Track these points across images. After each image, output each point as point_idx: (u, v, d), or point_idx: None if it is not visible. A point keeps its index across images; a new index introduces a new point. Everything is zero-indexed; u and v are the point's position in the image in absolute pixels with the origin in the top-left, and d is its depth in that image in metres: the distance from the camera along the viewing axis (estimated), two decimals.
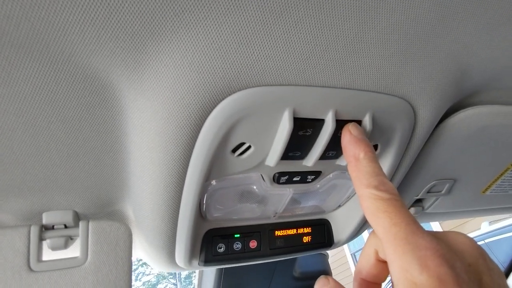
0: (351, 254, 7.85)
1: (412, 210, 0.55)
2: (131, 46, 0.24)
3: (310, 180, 0.40)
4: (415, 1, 0.27)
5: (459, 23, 0.30)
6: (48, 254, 0.38)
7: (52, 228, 0.38)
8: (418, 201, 0.55)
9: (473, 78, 0.36)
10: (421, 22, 0.28)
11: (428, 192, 0.51)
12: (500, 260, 2.24)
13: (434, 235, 0.23)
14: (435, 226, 4.76)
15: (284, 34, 0.26)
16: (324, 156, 0.35)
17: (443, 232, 0.24)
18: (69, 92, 0.27)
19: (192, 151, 0.30)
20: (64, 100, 0.27)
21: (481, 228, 2.73)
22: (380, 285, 0.28)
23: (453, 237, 0.23)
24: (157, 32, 0.23)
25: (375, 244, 0.26)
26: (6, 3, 0.19)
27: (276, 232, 0.47)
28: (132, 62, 0.25)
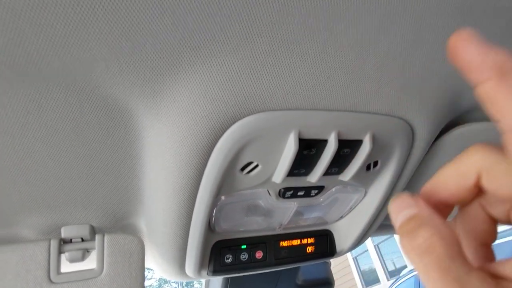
0: (353, 258, 7.84)
1: None
2: (150, 78, 0.26)
3: (313, 194, 0.42)
4: (412, 31, 0.29)
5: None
6: (66, 266, 0.40)
7: (70, 241, 0.40)
8: None
9: (467, 98, 0.38)
10: (417, 49, 0.31)
11: None
12: None
13: None
14: None
15: (290, 64, 0.28)
16: (327, 173, 0.37)
17: None
18: (91, 119, 0.29)
19: (204, 170, 0.33)
20: (86, 125, 0.29)
21: None
22: (451, 211, 0.21)
23: None
24: (175, 65, 0.26)
25: (480, 163, 0.19)
26: (41, 45, 0.22)
27: (281, 242, 0.49)
28: (151, 91, 0.27)
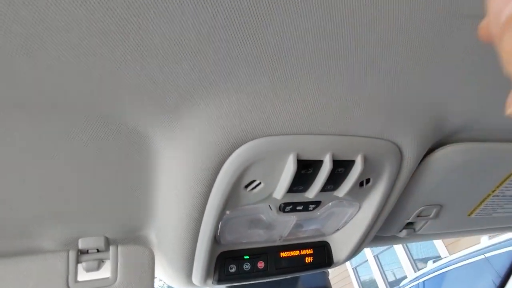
0: (352, 269, 7.79)
1: (404, 232, 0.60)
2: (168, 110, 0.30)
3: (311, 209, 0.45)
4: (400, 63, 0.33)
5: (437, 80, 0.36)
6: (83, 275, 0.43)
7: (87, 252, 0.43)
8: (410, 224, 0.61)
9: (451, 122, 0.42)
10: (405, 79, 0.34)
11: (418, 216, 0.56)
12: (500, 274, 2.26)
13: None
14: (437, 241, 4.76)
15: (288, 96, 0.32)
16: (323, 189, 0.40)
17: None
18: (113, 144, 0.33)
19: (211, 189, 0.36)
20: (108, 149, 0.33)
21: (481, 242, 2.76)
22: None
23: None
24: (190, 99, 0.29)
25: None
26: (79, 85, 0.26)
27: (281, 253, 0.53)
28: (168, 120, 0.31)
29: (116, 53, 0.24)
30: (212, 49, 0.26)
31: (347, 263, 7.77)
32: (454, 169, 0.48)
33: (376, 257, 6.92)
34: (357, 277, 7.67)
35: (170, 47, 0.25)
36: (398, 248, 6.16)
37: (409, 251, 6.05)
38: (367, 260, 7.14)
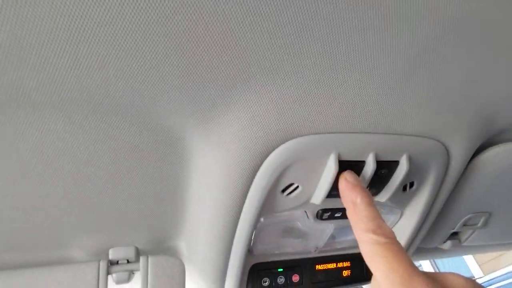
0: None
1: (448, 243, 0.56)
2: (205, 107, 0.29)
3: None
4: (449, 58, 0.30)
5: (489, 75, 0.33)
6: (112, 287, 0.41)
7: (117, 263, 0.42)
8: (455, 234, 0.56)
9: (501, 119, 0.39)
10: (455, 73, 0.32)
11: (464, 225, 0.52)
12: None
13: (431, 277, 0.24)
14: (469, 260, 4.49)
15: (331, 92, 0.30)
16: None
17: (441, 274, 0.25)
18: (149, 146, 0.32)
19: (248, 191, 0.34)
20: (144, 152, 0.32)
21: None
22: None
23: (450, 279, 0.24)
24: (228, 95, 0.28)
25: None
26: (120, 87, 0.25)
27: (317, 266, 0.49)
28: (204, 119, 0.30)
29: (156, 49, 0.23)
30: (254, 39, 0.24)
31: None
32: (505, 171, 0.44)
33: None
34: None
35: (211, 38, 0.23)
36: (425, 266, 5.84)
37: (435, 264, 5.72)
38: None
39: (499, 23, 0.28)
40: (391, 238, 0.26)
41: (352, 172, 0.34)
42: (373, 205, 0.30)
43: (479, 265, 4.82)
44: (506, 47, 0.31)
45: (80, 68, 0.23)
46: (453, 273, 0.25)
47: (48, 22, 0.20)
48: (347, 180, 0.33)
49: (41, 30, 0.20)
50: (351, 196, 0.31)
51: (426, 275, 0.24)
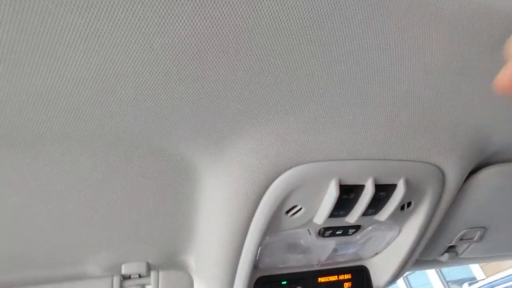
0: None
1: (446, 256, 0.58)
2: (214, 139, 0.31)
3: (351, 233, 0.45)
4: (443, 86, 0.32)
5: (479, 102, 0.35)
6: None
7: (129, 277, 0.44)
8: (452, 247, 0.58)
9: (494, 142, 0.41)
10: (449, 102, 0.34)
11: (461, 239, 0.54)
12: None
13: None
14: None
15: (331, 125, 0.32)
16: (364, 214, 0.40)
17: None
18: (162, 172, 0.34)
19: (254, 215, 0.37)
20: (156, 178, 0.34)
21: None
22: None
23: None
24: (236, 129, 0.30)
25: None
26: (139, 125, 0.27)
27: (319, 278, 0.52)
28: (213, 150, 0.32)
29: (172, 92, 0.25)
30: (261, 82, 0.27)
31: None
32: (499, 190, 0.46)
33: (406, 279, 6.59)
34: None
35: (223, 82, 0.26)
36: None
37: (441, 273, 5.73)
38: (396, 282, 6.81)
39: (486, 56, 0.30)
40: None
41: None
42: None
43: (481, 267, 4.81)
44: (493, 77, 0.33)
45: (103, 112, 0.25)
46: None
47: (75, 73, 0.22)
48: None
49: (70, 80, 0.23)
50: None
51: None
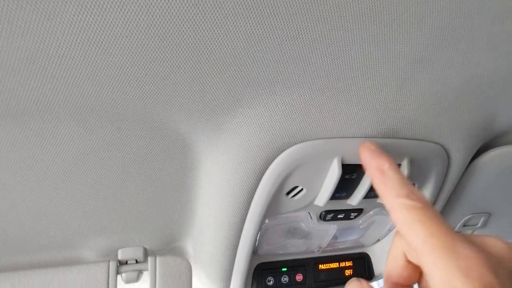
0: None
1: None
2: (213, 114, 0.30)
3: (353, 217, 0.43)
4: (447, 64, 0.31)
5: (488, 77, 0.34)
6: (121, 287, 0.43)
7: (126, 263, 0.43)
8: None
9: (500, 122, 0.40)
10: (453, 79, 0.33)
11: (464, 225, 0.53)
12: None
13: (473, 242, 0.22)
14: None
15: (336, 100, 0.31)
16: (367, 196, 0.39)
17: (481, 237, 0.23)
18: (158, 151, 0.33)
19: (254, 195, 0.35)
20: (153, 157, 0.33)
21: None
22: (412, 286, 0.27)
23: (491, 243, 0.22)
24: (236, 102, 0.29)
25: (402, 246, 0.25)
26: (133, 97, 0.26)
27: (320, 265, 0.51)
28: (212, 125, 0.31)
29: (170, 59, 0.24)
30: (263, 51, 0.25)
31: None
32: (505, 173, 0.45)
33: None
34: None
35: (222, 51, 0.25)
36: None
37: None
38: None
39: (496, 26, 0.29)
40: (426, 203, 0.24)
41: (374, 141, 0.32)
42: (401, 172, 0.28)
43: None
44: (502, 52, 0.32)
45: (97, 79, 0.24)
46: (494, 238, 0.22)
47: (68, 35, 0.21)
48: (371, 149, 0.31)
49: (62, 42, 0.21)
50: (378, 163, 0.29)
51: (467, 239, 0.22)
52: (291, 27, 0.24)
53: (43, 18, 0.20)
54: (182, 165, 0.35)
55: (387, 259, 0.26)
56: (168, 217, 0.41)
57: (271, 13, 0.23)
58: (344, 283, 0.52)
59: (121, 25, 0.21)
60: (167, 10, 0.21)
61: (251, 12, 0.23)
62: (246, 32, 0.24)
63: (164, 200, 0.38)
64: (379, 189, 0.28)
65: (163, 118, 0.29)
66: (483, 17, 0.28)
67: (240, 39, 0.24)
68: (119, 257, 0.42)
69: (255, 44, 0.25)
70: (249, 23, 0.23)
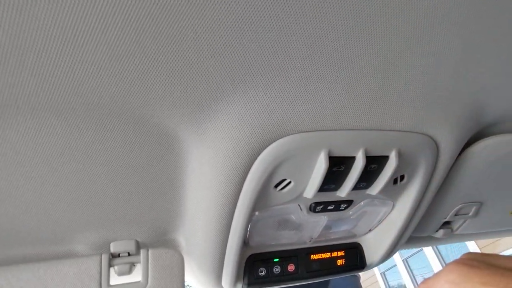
0: (380, 274, 7.56)
1: (441, 232, 0.57)
2: (197, 109, 0.29)
3: (343, 208, 0.44)
4: (434, 54, 0.31)
5: (475, 66, 0.33)
6: (115, 279, 0.43)
7: (118, 256, 0.43)
8: (447, 223, 0.57)
9: (489, 113, 0.40)
10: (440, 70, 0.33)
11: (456, 214, 0.53)
12: None
13: None
14: (470, 244, 4.54)
15: (319, 91, 0.31)
16: (355, 187, 0.39)
17: None
18: (144, 145, 0.33)
19: (241, 188, 0.35)
20: (140, 151, 0.33)
21: None
22: None
23: None
24: (218, 97, 0.29)
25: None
26: (114, 91, 0.26)
27: (312, 256, 0.51)
28: (197, 120, 0.31)
29: (148, 52, 0.24)
30: (242, 43, 0.25)
31: (375, 268, 7.55)
32: (495, 163, 0.45)
33: (405, 261, 6.68)
34: (386, 282, 7.43)
35: (200, 44, 0.24)
36: (428, 251, 5.92)
37: (440, 255, 5.80)
38: (395, 265, 6.91)
39: (486, 14, 0.29)
40: None
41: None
42: None
43: (480, 249, 4.87)
44: (493, 40, 0.31)
45: (76, 73, 0.24)
46: None
47: (46, 25, 0.21)
48: None
49: (39, 33, 0.21)
50: None
51: None
52: (268, 16, 0.24)
53: (15, 12, 0.20)
54: (169, 159, 0.35)
55: None
56: (159, 210, 0.41)
57: (251, 7, 0.23)
58: (336, 272, 0.53)
59: (95, 19, 0.21)
60: (141, 2, 0.21)
61: (226, 2, 0.22)
62: (227, 26, 0.24)
63: (153, 194, 0.39)
64: None
65: (146, 114, 0.29)
66: (473, 6, 0.27)
67: (218, 33, 0.24)
68: (112, 250, 0.43)
69: (233, 37, 0.25)
70: (230, 18, 0.23)
